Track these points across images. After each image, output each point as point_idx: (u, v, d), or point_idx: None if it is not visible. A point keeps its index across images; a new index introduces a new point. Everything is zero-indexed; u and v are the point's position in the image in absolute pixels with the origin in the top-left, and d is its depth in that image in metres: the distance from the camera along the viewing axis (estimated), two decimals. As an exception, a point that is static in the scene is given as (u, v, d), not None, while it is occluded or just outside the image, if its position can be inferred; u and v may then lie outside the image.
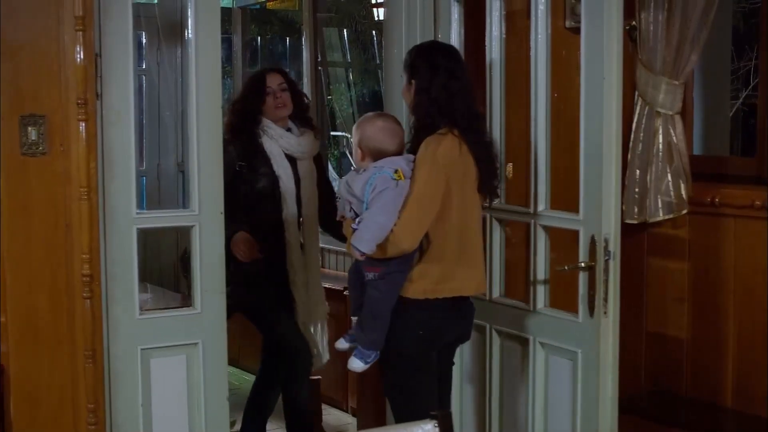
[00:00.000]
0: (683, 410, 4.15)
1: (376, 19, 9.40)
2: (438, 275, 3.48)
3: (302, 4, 8.05)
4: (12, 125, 3.38)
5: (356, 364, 3.50)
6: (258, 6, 9.28)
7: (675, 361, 4.26)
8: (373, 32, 10.32)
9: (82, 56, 3.42)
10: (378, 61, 10.18)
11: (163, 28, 7.40)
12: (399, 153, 3.49)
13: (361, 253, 3.35)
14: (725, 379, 4.09)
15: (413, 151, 3.49)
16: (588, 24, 3.52)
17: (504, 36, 3.97)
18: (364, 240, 3.33)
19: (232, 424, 3.99)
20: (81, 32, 3.41)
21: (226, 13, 7.95)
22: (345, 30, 10.12)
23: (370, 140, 3.47)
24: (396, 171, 3.36)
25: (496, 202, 3.90)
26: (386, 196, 3.33)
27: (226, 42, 8.33)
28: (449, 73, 3.50)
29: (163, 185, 7.74)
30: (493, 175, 3.58)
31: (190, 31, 3.71)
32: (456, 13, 4.14)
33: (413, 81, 3.55)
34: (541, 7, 3.76)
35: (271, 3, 9.34)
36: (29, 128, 3.40)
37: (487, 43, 3.99)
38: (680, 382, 4.25)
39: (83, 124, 3.44)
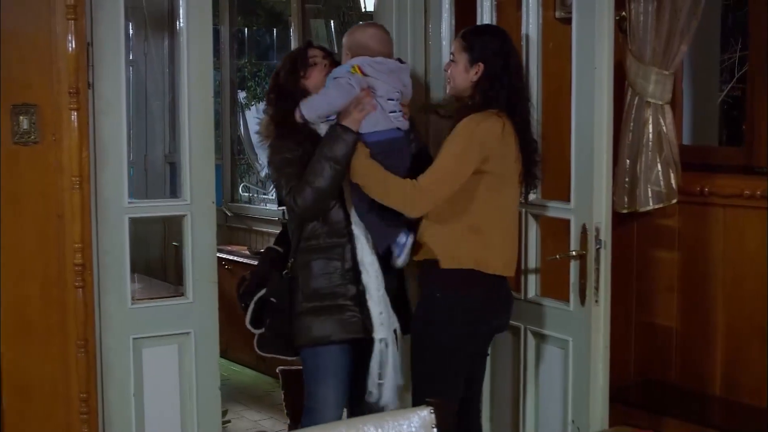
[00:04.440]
0: (672, 399, 4.17)
1: (363, 10, 9.38)
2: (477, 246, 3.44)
3: (290, -5, 8.04)
4: (4, 114, 3.39)
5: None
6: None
7: (664, 350, 4.28)
8: (360, 23, 10.30)
9: (73, 45, 3.43)
10: (366, 52, 10.17)
11: (150, 19, 7.40)
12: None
13: (300, 115, 3.45)
14: (714, 368, 4.11)
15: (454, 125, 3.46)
16: (579, 14, 3.53)
17: (495, 26, 3.97)
18: (307, 104, 3.45)
19: (224, 413, 4.00)
20: (73, 21, 3.41)
21: (213, 4, 7.93)
22: (332, 21, 10.09)
23: (359, 46, 3.55)
24: (353, 66, 3.45)
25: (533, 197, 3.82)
26: (340, 80, 3.44)
27: (214, 33, 8.31)
28: (515, 60, 3.50)
29: (150, 176, 7.74)
30: (532, 164, 3.52)
31: (181, 21, 3.72)
32: (447, 4, 4.14)
33: (481, 64, 3.44)
34: (532, -1, 3.78)
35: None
36: (21, 117, 3.40)
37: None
38: (669, 371, 4.27)
39: (75, 114, 3.45)
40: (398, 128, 3.52)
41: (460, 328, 3.43)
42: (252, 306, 3.62)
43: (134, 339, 3.65)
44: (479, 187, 3.39)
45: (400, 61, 3.68)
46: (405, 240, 3.44)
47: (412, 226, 3.49)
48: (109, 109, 3.55)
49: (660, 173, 4.07)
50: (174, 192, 7.90)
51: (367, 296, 3.49)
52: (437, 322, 3.44)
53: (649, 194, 4.10)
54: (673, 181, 4.07)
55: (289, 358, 3.75)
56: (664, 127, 4.05)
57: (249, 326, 3.63)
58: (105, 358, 3.61)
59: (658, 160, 4.07)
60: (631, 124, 4.10)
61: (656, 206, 4.10)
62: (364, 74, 3.44)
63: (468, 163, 3.35)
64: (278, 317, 3.59)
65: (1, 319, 3.42)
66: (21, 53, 3.40)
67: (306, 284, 3.54)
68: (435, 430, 2.34)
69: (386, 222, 3.44)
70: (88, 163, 3.50)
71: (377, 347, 3.49)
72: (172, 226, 7.09)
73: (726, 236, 4.04)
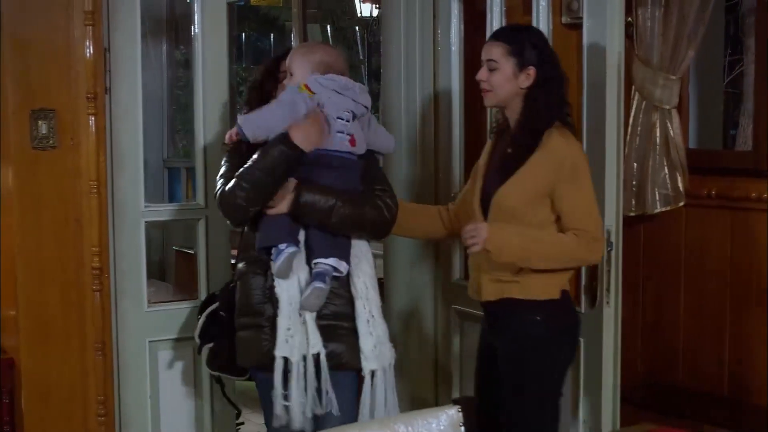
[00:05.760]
0: (680, 400, 4.21)
1: (359, 15, 9.44)
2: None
3: (289, 1, 8.09)
4: (23, 119, 3.43)
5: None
6: (242, 2, 9.31)
7: (671, 352, 4.32)
8: (356, 28, 10.37)
9: (91, 51, 3.47)
10: (361, 57, 10.23)
11: (149, 23, 7.42)
12: None
13: (237, 132, 3.04)
14: (721, 369, 4.16)
15: (525, 149, 3.15)
16: (589, 19, 3.57)
17: (504, 32, 4.01)
18: (246, 118, 3.06)
19: (238, 415, 4.02)
20: (90, 27, 3.46)
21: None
22: (328, 26, 10.15)
23: (327, 66, 3.16)
24: (300, 86, 3.09)
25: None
26: (284, 96, 3.09)
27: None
28: (560, 63, 3.26)
29: (148, 182, 7.74)
30: None
31: (196, 27, 3.75)
32: (456, 9, 4.18)
33: (533, 68, 3.17)
34: (543, 3, 3.82)
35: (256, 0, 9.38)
36: (40, 122, 3.44)
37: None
38: (676, 373, 4.31)
39: (93, 118, 3.49)
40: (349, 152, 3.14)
41: (568, 355, 3.34)
42: (203, 319, 3.37)
43: (150, 342, 3.69)
44: None
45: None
46: (285, 248, 3.03)
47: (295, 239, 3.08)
48: (125, 114, 3.60)
49: (667, 176, 4.13)
50: (172, 197, 7.93)
51: (278, 310, 3.07)
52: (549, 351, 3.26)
53: (657, 197, 4.15)
54: (680, 185, 4.13)
55: (234, 378, 3.44)
56: (671, 131, 4.11)
57: (197, 339, 3.38)
58: (122, 360, 3.65)
59: (665, 163, 4.12)
60: (639, 128, 4.15)
61: (663, 209, 4.16)
62: (312, 92, 3.09)
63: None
64: (225, 332, 3.28)
65: (20, 322, 3.46)
66: (40, 59, 3.44)
67: (239, 298, 3.20)
68: (462, 428, 2.38)
69: (275, 225, 3.07)
70: (106, 167, 3.53)
71: (277, 366, 3.05)
72: (173, 231, 7.12)
73: (733, 239, 4.08)
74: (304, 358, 3.05)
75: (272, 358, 3.06)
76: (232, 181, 3.04)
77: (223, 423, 3.86)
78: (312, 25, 9.71)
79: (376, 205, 3.15)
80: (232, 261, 3.86)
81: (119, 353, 3.64)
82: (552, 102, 3.16)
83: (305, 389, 3.04)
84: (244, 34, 10.96)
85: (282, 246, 3.03)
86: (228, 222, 3.21)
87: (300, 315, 3.06)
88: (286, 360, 3.04)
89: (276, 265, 3.03)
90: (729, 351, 4.14)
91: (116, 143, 3.58)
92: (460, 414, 2.39)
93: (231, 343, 3.23)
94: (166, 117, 7.95)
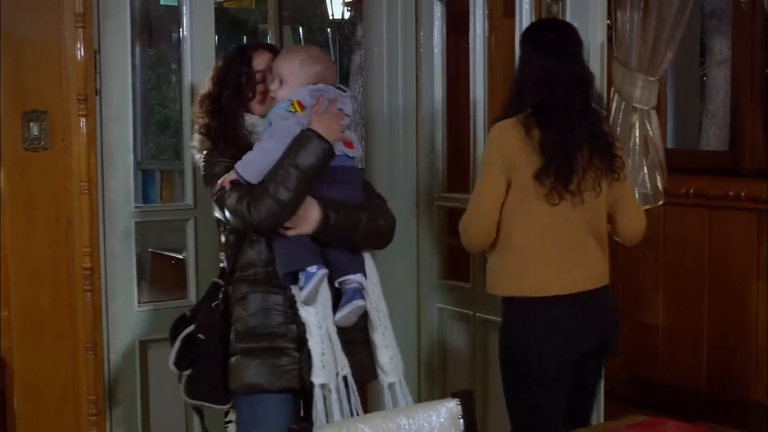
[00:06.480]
0: (660, 395, 4.29)
1: (331, 17, 9.48)
2: (513, 271, 3.18)
3: (262, 3, 8.11)
4: (14, 121, 3.44)
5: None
6: (216, 5, 9.32)
7: (651, 348, 4.40)
8: (328, 30, 10.40)
9: (82, 53, 3.49)
10: (334, 59, 10.26)
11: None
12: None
13: (238, 178, 2.86)
14: (700, 365, 4.24)
15: None
16: (572, 22, 3.63)
17: (487, 34, 4.07)
18: (245, 162, 2.86)
19: (226, 413, 4.05)
20: (81, 29, 3.48)
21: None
22: (300, 28, 10.18)
23: (321, 77, 3.00)
24: (292, 104, 2.91)
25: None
26: (277, 126, 2.90)
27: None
28: (539, 51, 3.20)
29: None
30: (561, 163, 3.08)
31: (184, 29, 3.79)
32: (438, 12, 4.23)
33: None
34: (526, 6, 3.88)
35: (228, 2, 9.37)
36: (31, 124, 3.46)
37: (470, 41, 4.09)
38: (656, 369, 4.39)
39: (83, 120, 3.51)
40: (348, 156, 3.02)
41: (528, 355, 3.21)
42: (178, 344, 3.10)
43: (141, 341, 3.72)
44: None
45: (342, 89, 3.08)
46: (315, 271, 2.87)
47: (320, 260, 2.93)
48: (116, 115, 3.63)
49: (646, 176, 4.19)
50: (146, 199, 7.94)
51: (307, 334, 2.90)
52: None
53: (636, 197, 4.22)
54: (659, 184, 4.20)
55: (217, 407, 3.20)
56: (650, 132, 4.18)
57: (172, 367, 3.12)
58: (113, 360, 3.67)
59: (644, 163, 4.19)
60: (618, 128, 4.22)
61: (643, 208, 4.23)
62: (304, 108, 2.91)
63: (495, 176, 3.12)
64: (206, 357, 3.05)
65: (12, 322, 3.47)
66: (31, 60, 3.46)
67: (240, 321, 2.97)
68: (461, 420, 2.44)
69: (298, 246, 2.91)
70: (96, 168, 3.56)
71: (317, 394, 2.88)
72: (147, 232, 7.14)
73: (711, 236, 4.17)
74: (345, 379, 2.92)
75: (298, 384, 2.91)
76: (268, 197, 2.82)
77: (211, 420, 3.88)
78: (284, 27, 9.75)
79: (385, 216, 3.12)
80: (221, 265, 3.92)
81: (110, 353, 3.66)
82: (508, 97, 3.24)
83: (349, 413, 2.90)
84: (216, 36, 10.98)
85: (312, 269, 2.87)
86: (246, 227, 2.93)
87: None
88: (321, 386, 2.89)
89: (306, 290, 2.86)
90: (707, 346, 4.22)
91: (107, 144, 3.61)
92: (459, 407, 2.44)
93: (214, 368, 3.02)
94: (139, 119, 7.97)
